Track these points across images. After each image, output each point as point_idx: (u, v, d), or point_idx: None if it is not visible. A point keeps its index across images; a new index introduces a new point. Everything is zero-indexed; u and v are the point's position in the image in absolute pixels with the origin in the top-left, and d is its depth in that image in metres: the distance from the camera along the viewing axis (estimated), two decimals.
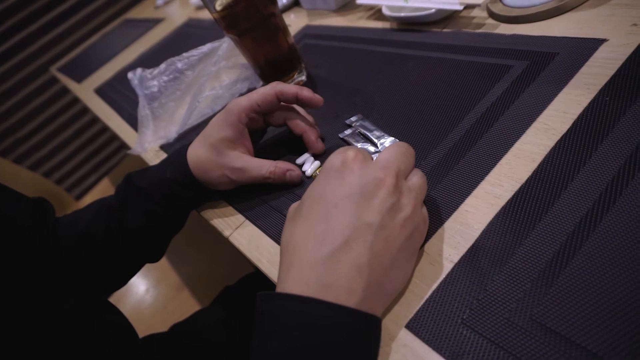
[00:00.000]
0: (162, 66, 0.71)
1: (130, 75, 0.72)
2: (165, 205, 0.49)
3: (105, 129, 2.15)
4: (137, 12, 1.80)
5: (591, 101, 0.38)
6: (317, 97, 0.47)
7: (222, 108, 0.67)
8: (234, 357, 0.63)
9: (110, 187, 1.81)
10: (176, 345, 0.64)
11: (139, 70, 0.72)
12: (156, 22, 1.45)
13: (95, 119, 2.09)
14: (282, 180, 0.46)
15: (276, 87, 0.47)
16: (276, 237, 0.43)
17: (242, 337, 0.65)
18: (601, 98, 0.38)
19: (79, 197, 2.05)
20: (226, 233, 0.47)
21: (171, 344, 0.65)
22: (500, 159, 0.38)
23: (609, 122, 0.35)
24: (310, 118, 0.50)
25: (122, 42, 1.45)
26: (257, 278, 0.78)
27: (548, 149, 0.36)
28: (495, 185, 0.36)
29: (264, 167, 0.46)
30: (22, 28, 1.87)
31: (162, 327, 0.69)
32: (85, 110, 2.05)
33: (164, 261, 1.20)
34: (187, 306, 1.08)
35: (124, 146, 2.17)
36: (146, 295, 1.20)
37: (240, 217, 0.48)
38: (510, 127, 0.40)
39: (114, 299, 1.21)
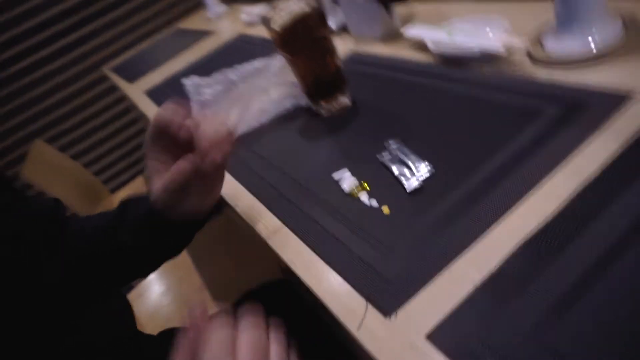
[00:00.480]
0: (216, 76, 0.76)
1: (185, 81, 0.78)
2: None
3: (144, 129, 2.24)
4: (189, 23, 1.89)
5: (620, 150, 0.40)
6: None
7: (268, 121, 0.72)
8: None
9: (144, 184, 1.88)
10: None
11: (194, 78, 0.77)
12: (207, 34, 1.53)
13: (136, 119, 2.19)
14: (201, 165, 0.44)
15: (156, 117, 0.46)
16: (312, 245, 0.47)
17: None
18: (629, 148, 0.40)
19: (113, 190, 2.13)
20: (263, 234, 0.51)
21: None
22: (527, 194, 0.41)
23: (635, 172, 0.38)
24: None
25: (173, 50, 1.53)
26: (281, 285, 0.80)
27: (574, 191, 0.39)
28: (521, 218, 0.39)
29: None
30: (79, 27, 1.99)
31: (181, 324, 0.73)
32: (128, 109, 2.15)
33: (186, 260, 1.24)
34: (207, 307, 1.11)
35: None
36: (167, 293, 1.24)
37: (277, 222, 0.52)
38: (540, 166, 0.43)
39: (134, 294, 1.25)
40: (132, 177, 2.28)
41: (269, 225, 0.52)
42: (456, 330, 0.33)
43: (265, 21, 0.64)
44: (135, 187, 1.92)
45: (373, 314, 0.37)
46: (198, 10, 2.01)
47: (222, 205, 0.62)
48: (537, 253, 0.35)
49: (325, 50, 0.65)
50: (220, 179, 0.52)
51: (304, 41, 0.63)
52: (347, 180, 0.52)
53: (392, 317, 0.36)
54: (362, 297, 0.39)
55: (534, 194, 0.40)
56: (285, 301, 0.71)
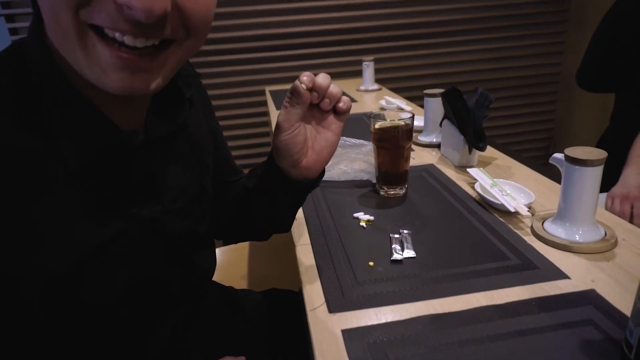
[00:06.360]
0: None
1: None
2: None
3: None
4: (343, 84, 2.27)
5: (525, 299, 0.59)
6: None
7: (344, 179, 0.98)
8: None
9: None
10: None
11: None
12: (352, 100, 1.88)
13: (266, 134, 2.61)
14: (296, 89, 0.59)
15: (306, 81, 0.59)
16: (318, 261, 0.71)
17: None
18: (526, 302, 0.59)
19: None
20: (297, 242, 0.77)
21: None
22: (456, 296, 0.61)
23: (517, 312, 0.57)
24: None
25: None
26: (288, 295, 1.00)
27: (483, 305, 0.59)
28: (440, 305, 0.60)
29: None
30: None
31: None
32: (267, 124, 2.59)
33: (244, 252, 1.50)
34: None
35: None
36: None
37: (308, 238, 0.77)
38: (475, 286, 0.63)
39: None
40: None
41: (302, 240, 0.78)
42: (359, 335, 0.55)
43: (373, 117, 0.92)
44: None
45: (324, 307, 0.60)
46: (356, 77, 2.40)
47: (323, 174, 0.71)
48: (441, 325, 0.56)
49: (401, 156, 0.91)
50: (331, 144, 0.64)
51: (389, 143, 0.90)
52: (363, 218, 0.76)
53: (333, 314, 0.59)
54: (324, 296, 0.62)
55: (461, 295, 0.61)
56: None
